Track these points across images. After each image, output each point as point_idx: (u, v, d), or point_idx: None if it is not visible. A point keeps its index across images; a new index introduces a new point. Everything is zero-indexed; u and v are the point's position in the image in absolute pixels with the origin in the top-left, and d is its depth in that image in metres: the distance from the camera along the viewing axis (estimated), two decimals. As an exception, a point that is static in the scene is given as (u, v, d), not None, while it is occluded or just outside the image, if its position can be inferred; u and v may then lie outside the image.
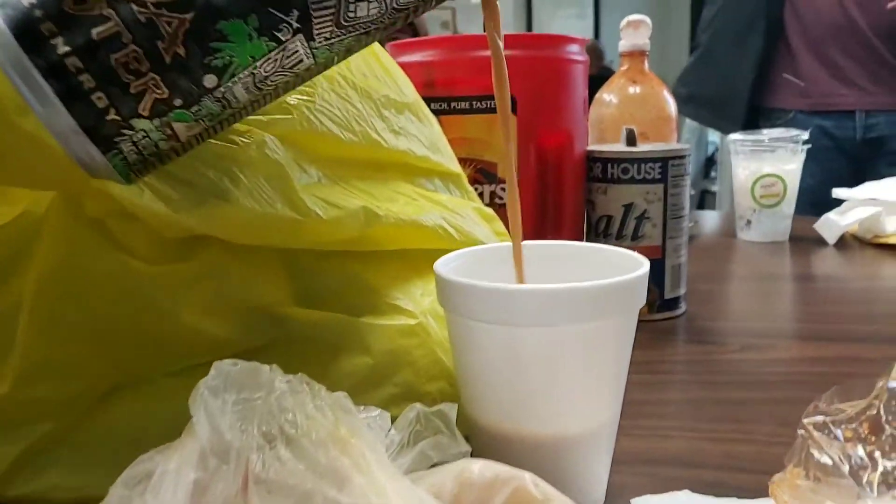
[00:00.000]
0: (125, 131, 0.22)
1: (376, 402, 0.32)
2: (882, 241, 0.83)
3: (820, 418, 0.24)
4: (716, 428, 0.38)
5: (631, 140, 0.60)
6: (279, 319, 0.32)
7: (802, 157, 0.88)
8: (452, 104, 0.51)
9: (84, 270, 0.27)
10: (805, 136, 0.87)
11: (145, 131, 0.23)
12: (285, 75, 0.24)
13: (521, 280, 0.32)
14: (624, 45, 0.72)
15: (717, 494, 0.31)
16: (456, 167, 0.41)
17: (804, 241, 0.89)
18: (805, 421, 0.24)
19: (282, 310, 0.32)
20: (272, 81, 0.24)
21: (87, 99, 0.21)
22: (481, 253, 0.33)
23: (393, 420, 0.28)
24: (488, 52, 0.51)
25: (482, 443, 0.29)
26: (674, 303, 0.59)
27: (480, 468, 0.21)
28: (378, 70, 0.35)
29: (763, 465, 0.34)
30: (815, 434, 0.23)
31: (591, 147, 0.60)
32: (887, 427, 0.22)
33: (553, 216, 0.58)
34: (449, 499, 0.21)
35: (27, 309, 0.28)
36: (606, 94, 0.74)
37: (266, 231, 0.29)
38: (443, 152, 0.39)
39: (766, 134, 0.90)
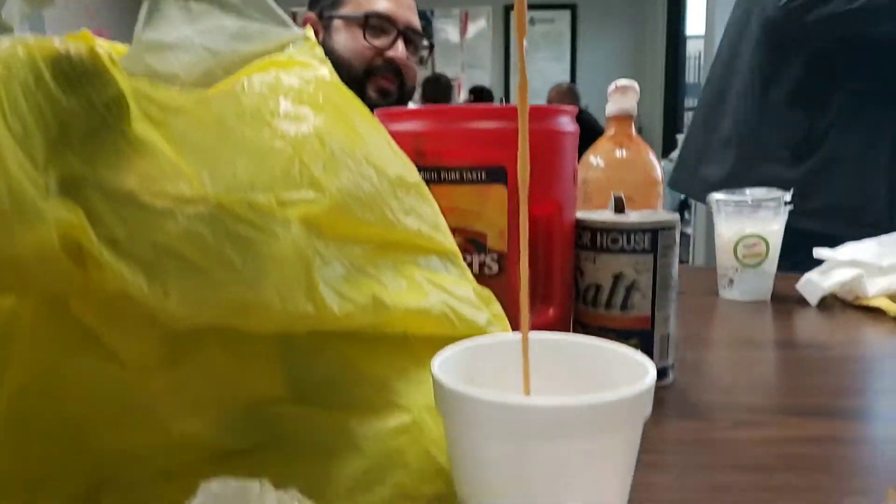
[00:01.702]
0: None
1: (370, 506, 0.31)
2: (864, 303, 0.84)
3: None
4: (715, 521, 0.37)
5: (619, 208, 0.60)
6: (271, 419, 0.31)
7: (785, 217, 0.89)
8: (442, 174, 0.51)
9: (61, 375, 0.26)
10: (787, 196, 0.88)
11: None
12: None
13: (526, 386, 0.31)
14: (611, 109, 0.72)
15: None
16: (453, 245, 0.40)
17: (787, 302, 0.89)
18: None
19: (274, 409, 0.31)
20: None
21: None
22: (480, 349, 0.33)
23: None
24: (479, 124, 0.51)
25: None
26: (662, 373, 0.59)
27: None
28: (388, 148, 0.35)
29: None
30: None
31: (580, 215, 0.59)
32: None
33: (543, 286, 0.57)
34: None
35: (1, 416, 0.26)
36: (593, 157, 0.74)
37: (282, 324, 0.28)
38: (442, 230, 0.39)
39: (749, 194, 0.90)
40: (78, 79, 0.23)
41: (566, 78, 5.01)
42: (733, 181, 1.14)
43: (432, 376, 0.28)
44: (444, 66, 4.74)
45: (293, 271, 0.27)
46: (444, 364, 0.30)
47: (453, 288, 0.37)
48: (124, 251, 0.22)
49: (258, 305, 0.26)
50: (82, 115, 0.23)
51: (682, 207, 3.60)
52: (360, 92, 1.17)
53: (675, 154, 2.99)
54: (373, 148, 0.32)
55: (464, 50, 5.08)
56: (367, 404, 0.33)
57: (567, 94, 3.73)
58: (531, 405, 0.25)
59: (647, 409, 0.27)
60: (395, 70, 1.20)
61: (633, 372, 0.28)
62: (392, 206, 0.33)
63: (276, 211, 0.26)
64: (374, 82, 1.19)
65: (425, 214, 0.36)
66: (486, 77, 5.03)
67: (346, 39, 1.17)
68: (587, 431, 0.25)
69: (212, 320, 0.25)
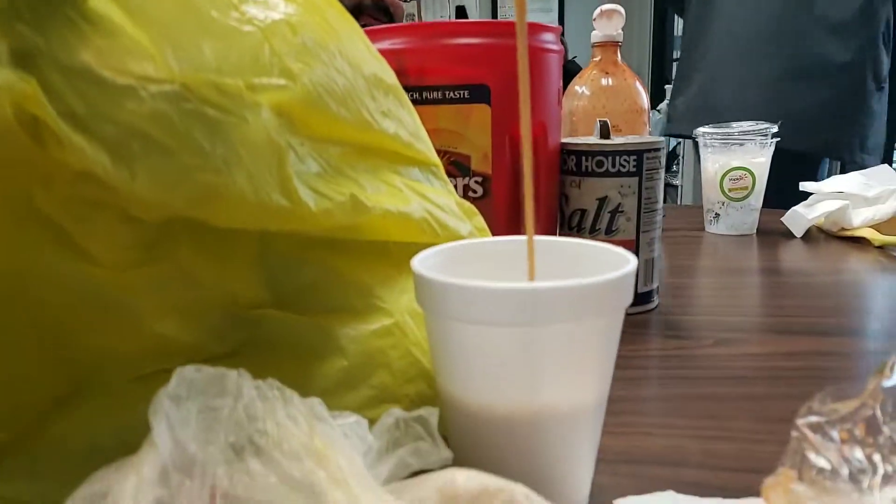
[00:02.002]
0: None
1: (352, 405, 0.30)
2: (848, 233, 0.84)
3: (814, 419, 0.23)
4: (695, 425, 0.37)
5: (605, 133, 0.60)
6: (252, 322, 0.31)
7: (771, 150, 0.89)
8: (424, 94, 0.50)
9: (35, 277, 0.25)
10: (774, 128, 0.88)
11: None
12: None
13: (532, 276, 0.31)
14: (596, 35, 0.71)
15: (701, 494, 0.30)
16: (435, 157, 0.39)
17: (772, 235, 0.89)
18: (799, 422, 0.23)
19: (254, 312, 0.30)
20: None
21: None
22: (459, 249, 0.32)
23: (370, 425, 0.27)
24: (461, 40, 0.50)
25: (461, 445, 0.28)
26: (647, 297, 0.59)
27: (465, 480, 0.19)
28: (363, 47, 0.33)
29: (745, 464, 0.33)
30: (810, 435, 0.23)
31: (565, 140, 0.59)
32: (885, 429, 0.22)
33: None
34: (432, 513, 0.19)
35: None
36: (578, 86, 0.73)
37: (255, 217, 0.27)
38: (424, 141, 0.38)
39: (736, 127, 0.90)
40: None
41: (554, 28, 4.92)
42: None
43: (412, 270, 0.27)
44: (431, 5, 4.64)
45: (265, 160, 0.26)
46: (425, 261, 0.29)
47: (435, 197, 0.37)
48: (84, 127, 0.21)
49: (229, 193, 0.25)
50: (33, -16, 0.22)
51: (671, 158, 3.59)
52: None
53: (662, 106, 2.96)
54: (347, 44, 0.31)
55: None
56: (350, 308, 0.32)
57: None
58: (512, 289, 0.24)
59: (628, 296, 0.27)
60: (383, 9, 1.17)
61: (616, 263, 0.28)
62: (368, 105, 0.32)
63: (246, 95, 0.25)
64: (362, 20, 1.17)
65: (404, 120, 0.35)
66: (475, 12, 4.94)
67: None
68: (568, 315, 0.25)
69: (183, 207, 0.25)
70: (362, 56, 0.32)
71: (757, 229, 0.92)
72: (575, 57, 3.34)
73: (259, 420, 0.22)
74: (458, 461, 0.28)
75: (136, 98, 0.22)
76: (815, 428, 0.23)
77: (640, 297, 0.58)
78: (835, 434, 0.22)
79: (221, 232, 0.29)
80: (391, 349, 0.31)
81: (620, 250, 0.29)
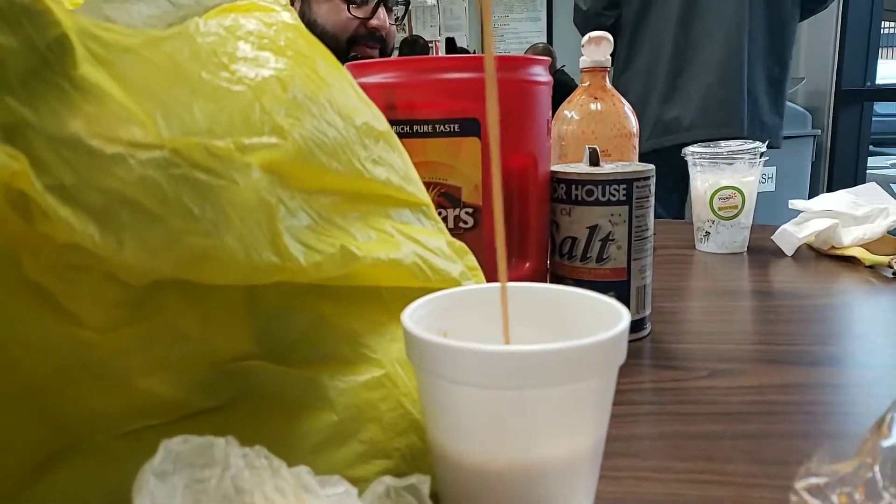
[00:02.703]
0: None
1: (342, 461, 0.30)
2: (838, 252, 0.84)
3: (813, 481, 0.23)
4: (691, 468, 0.37)
5: (594, 160, 0.60)
6: (240, 375, 0.30)
7: (760, 169, 0.89)
8: (414, 127, 0.50)
9: (21, 341, 0.25)
10: (763, 147, 0.88)
11: None
12: None
13: (506, 334, 0.31)
14: (585, 61, 0.71)
15: (699, 544, 0.30)
16: (425, 197, 0.39)
17: (762, 253, 0.90)
18: (798, 485, 0.23)
19: (243, 364, 0.30)
20: None
21: None
22: (450, 298, 0.32)
23: (360, 482, 0.26)
24: (452, 75, 0.50)
25: (452, 481, 0.28)
26: (639, 324, 0.59)
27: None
28: (354, 96, 0.33)
29: (742, 511, 0.33)
30: (810, 500, 0.22)
31: (554, 168, 0.58)
32: (886, 494, 0.21)
33: (518, 239, 0.57)
34: None
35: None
36: (568, 111, 0.73)
37: (244, 275, 0.27)
38: (414, 182, 0.37)
39: (725, 146, 0.90)
40: (16, 17, 0.22)
41: (542, 38, 4.95)
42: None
43: (403, 326, 0.27)
44: (422, 30, 4.66)
45: (255, 220, 0.25)
46: (414, 313, 0.29)
47: (426, 240, 0.36)
48: (72, 198, 0.21)
49: (219, 256, 0.24)
50: (22, 55, 0.21)
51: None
52: (343, 61, 1.14)
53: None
54: (337, 94, 0.31)
55: (441, 12, 4.98)
56: (339, 358, 0.32)
57: (543, 54, 3.68)
58: (504, 352, 0.24)
59: (622, 354, 0.26)
60: (379, 38, 1.18)
61: (608, 318, 0.27)
62: (359, 154, 0.31)
63: (236, 156, 0.25)
64: (356, 51, 1.17)
65: (395, 164, 0.35)
66: (464, 39, 4.95)
67: (328, 12, 1.15)
68: (561, 378, 0.24)
69: (171, 272, 0.24)
70: (353, 105, 0.32)
71: (748, 247, 0.92)
72: (563, 66, 3.35)
73: (247, 493, 0.22)
74: (449, 497, 0.28)
75: (124, 166, 0.22)
76: (813, 491, 0.23)
77: (633, 325, 0.58)
78: (834, 498, 0.22)
79: (210, 287, 0.28)
80: (381, 402, 0.31)
81: (612, 302, 0.29)
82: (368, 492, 0.24)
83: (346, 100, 0.32)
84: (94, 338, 0.26)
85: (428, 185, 0.51)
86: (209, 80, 0.25)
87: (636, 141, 0.72)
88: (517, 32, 4.95)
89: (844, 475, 0.23)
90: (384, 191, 0.34)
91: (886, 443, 0.23)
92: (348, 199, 0.32)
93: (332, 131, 0.29)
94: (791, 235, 0.86)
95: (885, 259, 0.76)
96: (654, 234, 1.03)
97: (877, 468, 0.23)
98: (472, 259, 0.41)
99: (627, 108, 0.72)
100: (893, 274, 0.76)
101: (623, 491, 0.35)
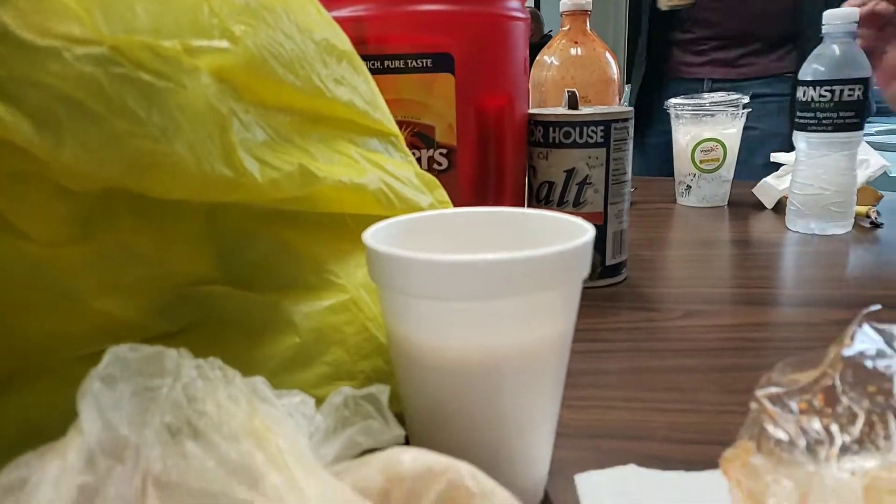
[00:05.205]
0: None
1: (305, 383, 0.29)
2: (817, 204, 0.84)
3: (773, 390, 0.23)
4: (660, 398, 0.37)
5: (573, 103, 0.59)
6: (200, 299, 0.29)
7: (742, 121, 0.88)
8: (386, 63, 0.48)
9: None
10: (745, 99, 0.87)
11: None
12: None
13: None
14: (565, 3, 0.69)
15: (665, 468, 0.30)
16: (394, 127, 0.38)
17: (743, 206, 0.89)
18: (758, 393, 0.23)
19: (203, 289, 0.29)
20: None
21: None
22: (414, 222, 0.31)
23: (321, 402, 0.26)
24: (424, 7, 0.49)
25: (417, 421, 0.27)
26: (616, 269, 0.59)
27: (411, 459, 0.19)
28: (314, 11, 0.32)
29: (710, 436, 0.33)
30: (769, 407, 0.22)
31: (532, 110, 0.57)
32: (844, 399, 0.21)
33: (495, 182, 0.56)
34: (377, 494, 0.18)
35: None
36: (547, 57, 0.71)
37: (197, 188, 0.26)
38: (381, 110, 0.36)
39: (707, 98, 0.89)
40: None
41: (530, 3, 4.88)
42: None
43: (364, 244, 0.26)
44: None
45: (206, 129, 0.24)
46: (376, 234, 0.28)
47: (393, 168, 0.35)
48: (4, 92, 0.20)
49: (169, 162, 0.23)
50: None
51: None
52: None
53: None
54: (296, 6, 0.30)
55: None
56: (303, 284, 0.31)
57: (532, 18, 3.62)
58: (464, 262, 0.23)
59: (584, 268, 0.26)
60: None
61: (574, 233, 0.27)
62: (319, 71, 0.30)
63: (184, 59, 0.24)
64: None
65: (360, 88, 0.34)
66: None
67: None
68: (516, 290, 0.24)
69: (119, 178, 0.23)
70: (312, 20, 0.31)
71: (728, 201, 0.92)
72: (551, 31, 3.31)
73: (199, 401, 0.21)
74: (413, 422, 0.27)
75: (60, 61, 0.21)
76: (774, 399, 0.22)
77: (609, 270, 0.58)
78: (794, 405, 0.22)
79: (165, 207, 0.27)
80: (346, 325, 0.30)
81: (576, 220, 0.29)
82: (326, 403, 0.23)
83: (304, 14, 0.30)
84: (43, 254, 0.25)
85: (400, 124, 0.50)
86: (152, -23, 0.24)
87: (617, 87, 0.71)
88: (505, -5, 4.85)
89: (805, 384, 0.23)
90: (348, 114, 0.33)
91: (847, 352, 0.23)
92: (309, 120, 0.31)
93: (289, 43, 0.28)
94: (771, 188, 0.86)
95: (863, 209, 0.76)
96: (636, 188, 1.03)
97: (837, 376, 0.22)
98: (442, 193, 0.40)
99: (608, 53, 0.71)
100: (871, 223, 0.76)
101: (591, 418, 0.35)
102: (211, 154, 0.24)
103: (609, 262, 0.58)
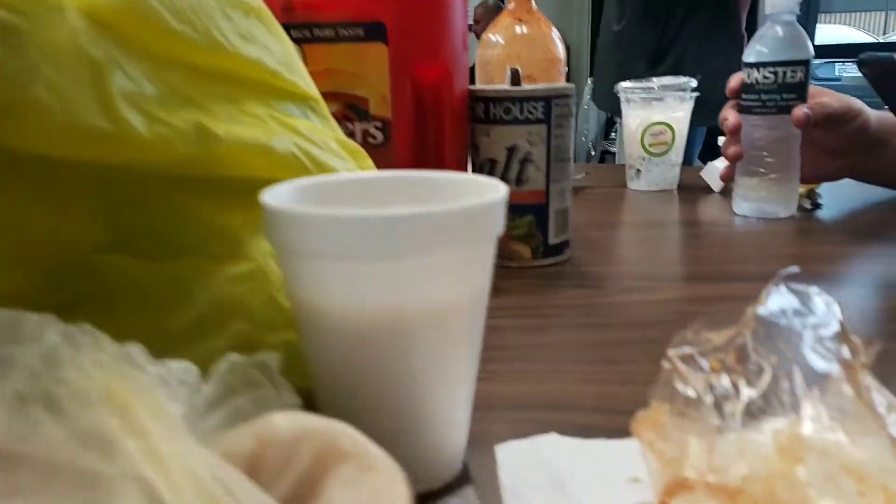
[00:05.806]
0: None
1: (203, 356, 0.27)
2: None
3: (686, 349, 0.22)
4: (591, 370, 0.36)
5: (515, 80, 0.57)
6: (90, 270, 0.27)
7: (691, 104, 0.88)
8: (315, 31, 0.47)
9: None
10: (694, 83, 0.87)
11: None
12: None
13: None
14: (510, -20, 0.68)
15: (588, 436, 0.28)
16: (314, 91, 0.36)
17: (692, 190, 0.89)
18: (671, 353, 0.22)
19: (93, 258, 0.27)
20: None
21: None
22: (321, 185, 0.29)
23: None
24: (354, -26, 0.47)
25: (326, 391, 0.26)
26: (558, 249, 0.57)
27: (285, 422, 0.17)
28: None
29: (637, 406, 0.32)
30: (680, 366, 0.21)
31: (473, 87, 0.56)
32: (753, 354, 0.20)
33: (434, 158, 0.54)
34: (246, 459, 0.17)
35: None
36: (493, 35, 0.70)
37: (69, 139, 0.23)
38: (298, 72, 0.34)
39: (656, 82, 0.89)
40: None
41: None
42: None
43: (260, 202, 0.25)
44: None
45: (75, 75, 0.22)
46: (276, 193, 0.26)
47: (309, 132, 0.33)
48: None
49: (28, 110, 0.21)
50: None
51: (609, 125, 3.61)
52: None
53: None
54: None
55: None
56: (205, 253, 0.29)
57: (494, 11, 3.60)
58: (367, 217, 0.22)
59: (496, 226, 0.24)
60: None
61: (488, 194, 0.25)
62: (220, 25, 0.28)
63: (48, -4, 0.22)
64: None
65: (271, 47, 0.32)
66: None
67: None
68: (427, 244, 0.22)
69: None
70: (213, -31, 0.29)
71: (679, 185, 0.92)
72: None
73: (60, 367, 0.19)
74: (322, 392, 0.26)
75: None
76: (686, 358, 0.21)
77: (552, 249, 0.57)
78: (705, 364, 0.21)
79: (56, 169, 0.25)
80: (251, 295, 0.29)
81: (492, 181, 0.27)
82: (213, 372, 0.22)
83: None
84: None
85: (331, 95, 0.48)
86: None
87: (562, 66, 0.70)
88: (467, -12, 4.85)
89: (720, 343, 0.22)
90: (257, 73, 0.31)
91: (762, 310, 0.22)
92: (210, 78, 0.29)
93: (183, -10, 0.26)
94: (718, 171, 0.86)
95: (804, 191, 0.76)
96: (587, 173, 1.02)
97: (749, 334, 0.21)
98: (369, 163, 0.38)
99: (555, 32, 0.70)
100: (811, 205, 0.76)
101: (518, 391, 0.34)
102: (81, 102, 0.22)
103: (552, 241, 0.57)
